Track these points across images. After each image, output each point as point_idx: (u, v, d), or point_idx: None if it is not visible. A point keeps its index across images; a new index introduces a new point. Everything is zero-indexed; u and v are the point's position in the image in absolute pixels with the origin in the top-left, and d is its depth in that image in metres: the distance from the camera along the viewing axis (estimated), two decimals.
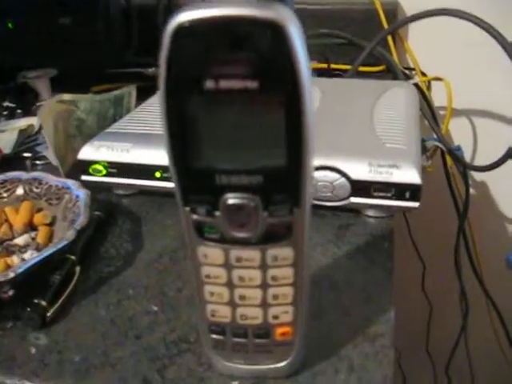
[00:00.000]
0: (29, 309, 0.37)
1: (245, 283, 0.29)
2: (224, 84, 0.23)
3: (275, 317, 0.30)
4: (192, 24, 0.22)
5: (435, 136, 0.73)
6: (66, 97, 0.55)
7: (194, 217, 0.27)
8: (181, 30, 0.22)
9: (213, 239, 0.28)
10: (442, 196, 0.87)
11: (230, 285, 0.29)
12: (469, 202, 0.84)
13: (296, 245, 0.28)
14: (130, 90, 0.60)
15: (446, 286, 1.01)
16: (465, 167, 0.79)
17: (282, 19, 0.21)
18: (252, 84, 0.23)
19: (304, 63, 0.23)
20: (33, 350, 0.36)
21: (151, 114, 0.57)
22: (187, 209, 0.27)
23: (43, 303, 0.38)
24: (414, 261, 0.98)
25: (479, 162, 0.94)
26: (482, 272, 0.95)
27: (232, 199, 0.26)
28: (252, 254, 0.28)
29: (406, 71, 0.86)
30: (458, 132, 0.95)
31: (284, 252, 0.28)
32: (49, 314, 0.38)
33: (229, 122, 0.24)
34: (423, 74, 0.89)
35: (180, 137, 0.25)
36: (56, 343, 0.36)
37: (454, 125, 0.89)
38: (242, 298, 0.29)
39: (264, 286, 0.29)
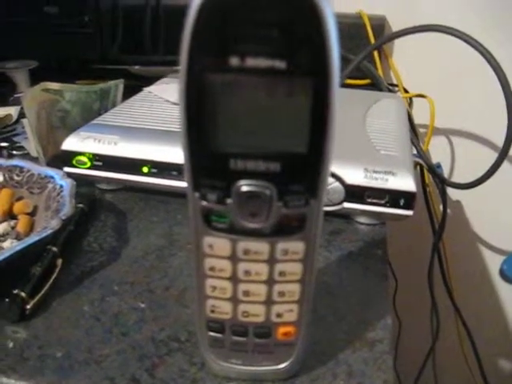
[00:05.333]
0: (7, 300, 0.35)
1: (250, 278, 0.27)
2: (250, 62, 0.22)
3: (279, 315, 0.28)
4: None
5: (415, 152, 0.73)
6: (51, 85, 0.52)
7: (204, 203, 0.25)
8: (209, 0, 0.21)
9: (220, 229, 0.26)
10: (417, 213, 0.87)
11: (234, 279, 0.27)
12: (446, 220, 0.84)
13: (308, 239, 0.26)
14: (118, 84, 0.58)
15: (417, 303, 1.01)
16: (444, 184, 0.79)
17: None
18: (280, 64, 0.21)
19: (336, 46, 0.21)
20: (10, 344, 0.33)
21: (140, 108, 0.56)
22: (197, 194, 0.25)
23: (23, 294, 0.35)
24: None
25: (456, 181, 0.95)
26: (454, 292, 0.96)
27: (246, 186, 0.24)
28: (261, 247, 0.26)
29: (390, 87, 0.87)
30: (436, 150, 0.96)
31: (295, 246, 0.26)
32: (28, 307, 0.35)
33: (250, 103, 0.23)
34: (405, 91, 0.90)
35: (197, 116, 0.23)
36: (36, 338, 0.34)
37: (431, 143, 0.90)
38: (246, 293, 0.28)
39: (270, 281, 0.27)
